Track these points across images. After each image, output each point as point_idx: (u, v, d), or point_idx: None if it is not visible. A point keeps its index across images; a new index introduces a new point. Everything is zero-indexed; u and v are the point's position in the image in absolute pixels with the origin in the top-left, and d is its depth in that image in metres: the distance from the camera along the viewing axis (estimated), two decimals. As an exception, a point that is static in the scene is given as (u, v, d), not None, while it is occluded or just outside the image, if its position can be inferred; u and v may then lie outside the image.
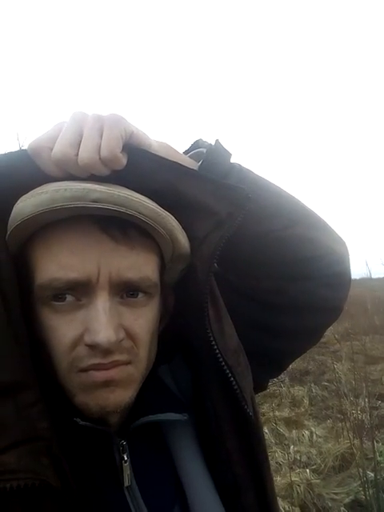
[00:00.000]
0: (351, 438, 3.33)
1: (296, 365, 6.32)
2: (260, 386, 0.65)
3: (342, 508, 2.71)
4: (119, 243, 0.50)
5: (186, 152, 0.67)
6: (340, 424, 3.89)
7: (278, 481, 3.07)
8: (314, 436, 3.84)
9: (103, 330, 0.48)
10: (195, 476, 0.59)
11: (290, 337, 0.66)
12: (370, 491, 2.60)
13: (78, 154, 0.49)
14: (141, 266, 0.52)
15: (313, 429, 3.98)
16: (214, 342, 0.55)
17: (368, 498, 2.59)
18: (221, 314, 0.58)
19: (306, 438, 3.83)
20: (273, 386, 5.35)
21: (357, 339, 5.52)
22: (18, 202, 0.50)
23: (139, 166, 0.53)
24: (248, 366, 0.61)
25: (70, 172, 0.51)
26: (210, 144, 0.64)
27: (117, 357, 0.50)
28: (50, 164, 0.50)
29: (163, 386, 0.62)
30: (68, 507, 0.45)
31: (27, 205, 0.48)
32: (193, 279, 0.57)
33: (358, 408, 3.87)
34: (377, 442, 3.17)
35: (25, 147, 0.53)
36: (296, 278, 0.63)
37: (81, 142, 0.50)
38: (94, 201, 0.47)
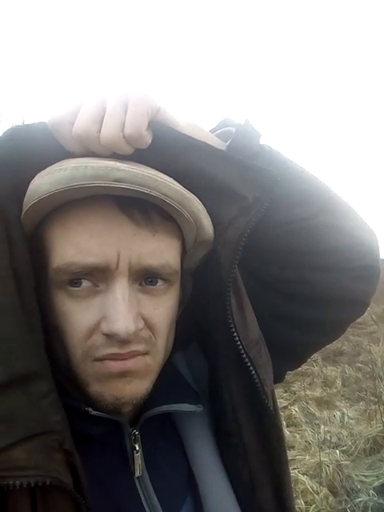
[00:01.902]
0: (384, 421, 3.26)
1: (330, 344, 6.22)
2: (277, 377, 0.62)
3: (371, 491, 2.68)
4: (141, 227, 0.48)
5: (212, 130, 0.62)
6: (373, 407, 3.82)
7: (307, 460, 3.07)
8: (346, 417, 3.79)
9: (122, 319, 0.45)
10: (208, 469, 0.57)
11: (312, 329, 0.63)
12: (402, 477, 2.55)
13: (100, 131, 0.46)
14: (162, 251, 0.49)
15: (345, 410, 3.93)
16: (235, 333, 0.53)
17: (399, 483, 2.55)
18: (243, 304, 0.55)
19: (338, 418, 3.79)
20: (305, 365, 5.31)
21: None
22: (35, 178, 0.47)
23: (164, 145, 0.49)
24: (269, 358, 0.58)
25: (90, 149, 0.48)
26: (239, 123, 0.60)
27: (134, 347, 0.48)
28: (71, 139, 0.47)
29: (178, 375, 0.60)
30: (78, 502, 0.43)
31: (44, 182, 0.45)
32: (215, 266, 0.54)
33: (393, 391, 3.79)
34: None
35: (44, 120, 0.49)
36: (322, 269, 0.59)
37: (103, 117, 0.47)
38: (117, 180, 0.44)
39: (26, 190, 0.47)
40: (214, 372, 0.59)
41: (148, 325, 0.49)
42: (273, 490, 0.57)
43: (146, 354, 0.49)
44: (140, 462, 0.52)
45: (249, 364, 0.53)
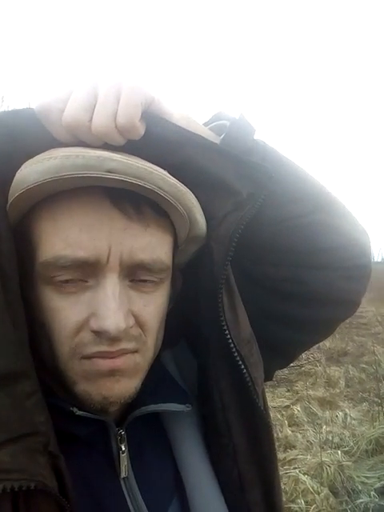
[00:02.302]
0: (387, 423, 3.24)
1: (334, 344, 6.21)
2: (267, 375, 0.61)
3: (372, 492, 2.66)
4: (132, 221, 0.46)
5: (205, 124, 0.61)
6: (377, 408, 3.80)
7: (308, 459, 3.05)
8: (348, 418, 3.77)
9: (112, 316, 0.44)
10: (196, 469, 0.55)
11: (304, 328, 0.62)
12: (404, 479, 2.54)
13: (91, 120, 0.44)
14: (154, 247, 0.48)
15: (347, 411, 3.91)
16: (227, 331, 0.52)
17: (400, 485, 2.53)
18: (235, 301, 0.54)
19: (340, 419, 3.77)
20: (308, 365, 5.29)
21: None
22: (22, 167, 0.45)
23: (158, 137, 0.48)
24: (260, 356, 0.57)
25: (80, 138, 0.46)
26: (234, 117, 0.58)
27: (124, 345, 0.46)
28: (60, 128, 0.45)
29: (166, 374, 0.58)
30: (63, 506, 0.42)
31: (32, 171, 0.43)
32: (207, 262, 0.53)
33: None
34: (414, 429, 3.07)
35: (33, 106, 0.47)
36: (315, 268, 0.58)
37: (95, 105, 0.45)
38: (109, 171, 0.42)
39: (11, 179, 0.45)
40: (203, 370, 0.57)
41: (138, 322, 0.48)
42: (262, 490, 0.56)
43: (135, 351, 0.48)
44: (126, 463, 0.51)
45: (240, 363, 0.52)
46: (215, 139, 0.54)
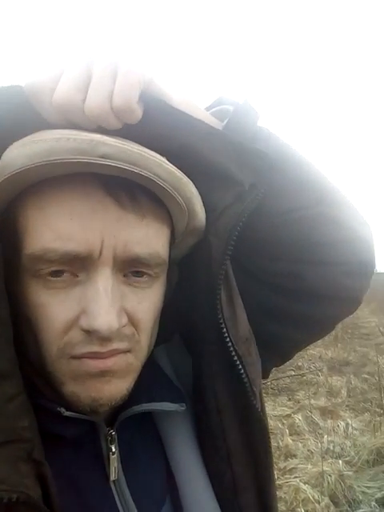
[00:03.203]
0: (389, 433, 3.23)
1: (335, 354, 6.18)
2: (263, 374, 0.57)
3: (373, 503, 2.64)
4: (127, 211, 0.42)
5: (207, 108, 0.58)
6: (378, 418, 3.78)
7: (309, 469, 3.04)
8: (350, 428, 3.74)
9: (104, 315, 0.40)
10: (189, 471, 0.53)
11: (302, 325, 0.59)
12: (405, 489, 2.52)
13: (84, 100, 0.41)
14: (151, 239, 0.44)
15: (349, 420, 3.88)
16: (224, 329, 0.50)
17: (402, 495, 2.52)
18: (233, 298, 0.52)
19: (342, 429, 3.75)
20: (310, 374, 5.26)
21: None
22: (8, 150, 0.41)
23: (156, 121, 0.44)
24: (258, 356, 0.55)
25: (72, 120, 0.42)
26: (237, 102, 0.55)
27: (116, 345, 0.43)
28: (50, 108, 0.41)
29: (159, 371, 0.56)
30: None
31: (19, 155, 0.40)
32: (205, 257, 0.50)
33: (399, 403, 3.75)
34: (416, 439, 3.06)
35: (21, 83, 0.43)
36: (315, 263, 0.55)
37: (89, 85, 0.41)
38: (102, 156, 0.39)
39: None
40: (198, 369, 0.54)
41: (131, 320, 0.44)
42: (256, 493, 0.54)
43: (127, 351, 0.45)
44: (116, 465, 0.48)
45: (237, 362, 0.50)
46: (217, 125, 0.52)
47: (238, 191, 0.48)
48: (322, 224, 0.54)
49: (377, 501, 2.66)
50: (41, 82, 0.42)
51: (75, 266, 0.42)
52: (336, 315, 0.62)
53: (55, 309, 0.42)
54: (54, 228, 0.41)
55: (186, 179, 0.45)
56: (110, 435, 0.48)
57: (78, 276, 0.43)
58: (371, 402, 4.32)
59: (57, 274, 0.42)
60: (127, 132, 0.43)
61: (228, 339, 0.50)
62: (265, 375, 0.61)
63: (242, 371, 0.50)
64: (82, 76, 0.41)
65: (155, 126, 0.44)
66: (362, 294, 0.60)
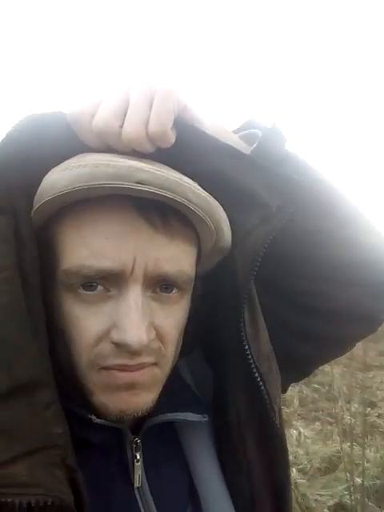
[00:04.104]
0: (340, 441, 3.32)
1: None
2: (282, 390, 0.61)
3: (326, 510, 2.71)
4: (158, 232, 0.46)
5: (235, 131, 0.61)
6: (329, 427, 3.89)
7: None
8: (302, 436, 3.84)
9: (134, 329, 0.43)
10: (210, 482, 0.55)
11: (323, 344, 0.62)
12: (356, 496, 2.60)
13: (122, 126, 0.44)
14: (179, 258, 0.47)
15: (301, 429, 3.98)
16: (247, 347, 0.51)
17: (353, 502, 2.59)
18: (257, 316, 0.54)
19: (294, 437, 3.83)
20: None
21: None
22: (50, 173, 0.45)
23: (188, 145, 0.47)
24: (279, 373, 0.56)
25: (110, 144, 0.45)
26: (265, 126, 0.58)
27: (144, 359, 0.46)
28: (90, 133, 0.45)
29: (183, 383, 0.58)
30: None
31: (62, 178, 0.43)
32: (230, 275, 0.52)
33: (349, 413, 3.88)
34: (366, 448, 3.17)
35: (61, 110, 0.47)
36: (340, 283, 0.58)
37: (126, 111, 0.44)
38: (139, 182, 0.42)
39: (36, 184, 0.45)
40: (220, 382, 0.57)
41: (158, 335, 0.47)
42: (273, 510, 0.56)
43: (154, 364, 0.47)
44: (140, 472, 0.50)
45: (258, 379, 0.52)
46: (246, 149, 0.55)
47: (265, 213, 0.51)
48: (346, 246, 0.57)
49: (329, 508, 2.73)
50: (82, 109, 0.45)
51: (108, 282, 0.45)
52: (358, 334, 0.64)
53: (87, 321, 0.45)
54: (90, 246, 0.44)
55: (215, 203, 0.48)
56: (136, 443, 0.50)
57: (110, 291, 0.46)
58: (322, 411, 4.45)
59: (90, 286, 0.45)
60: (160, 154, 0.46)
61: (249, 356, 0.51)
62: (283, 391, 0.63)
63: (263, 388, 0.52)
64: (120, 103, 0.44)
65: (187, 150, 0.48)
66: (383, 315, 0.62)
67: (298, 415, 4.51)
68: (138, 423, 0.52)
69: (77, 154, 0.45)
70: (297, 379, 0.68)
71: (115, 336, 0.44)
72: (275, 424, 0.53)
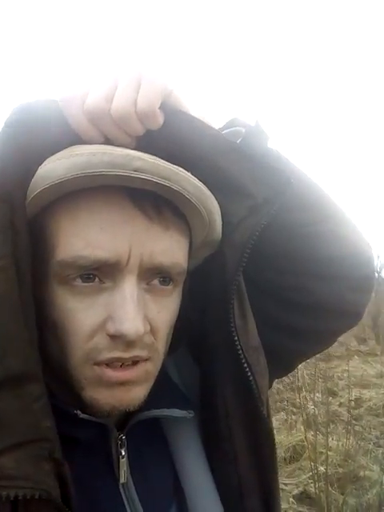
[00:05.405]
0: (304, 430, 3.42)
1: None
2: None
3: (291, 499, 2.78)
4: (153, 222, 0.45)
5: (220, 130, 0.59)
6: (293, 417, 3.99)
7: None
8: (268, 427, 3.92)
9: (131, 320, 0.43)
10: (195, 476, 0.55)
11: (307, 338, 0.62)
12: (320, 484, 2.68)
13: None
14: (174, 249, 0.47)
15: (266, 419, 4.06)
16: (236, 338, 0.52)
17: (317, 491, 2.67)
18: (245, 309, 0.54)
19: (260, 428, 3.91)
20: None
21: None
22: (46, 163, 0.43)
23: (176, 131, 0.46)
24: (266, 366, 0.57)
25: (101, 127, 0.44)
26: (249, 124, 0.58)
27: (138, 352, 0.45)
28: (81, 117, 0.44)
29: (168, 379, 0.58)
30: None
31: (58, 167, 0.42)
32: (218, 269, 0.52)
33: (312, 402, 3.99)
34: (329, 436, 3.27)
35: (53, 97, 0.46)
36: (323, 277, 0.58)
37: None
38: (136, 170, 0.41)
39: (31, 174, 0.43)
40: (207, 377, 0.57)
41: (151, 329, 0.47)
42: (261, 498, 0.56)
43: (147, 360, 0.47)
44: (125, 468, 0.50)
45: (247, 370, 0.52)
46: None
47: (252, 204, 0.50)
48: (328, 240, 0.58)
49: (294, 497, 2.80)
50: (73, 94, 0.44)
51: (103, 273, 0.44)
52: (340, 328, 0.65)
53: (82, 314, 0.44)
54: (86, 237, 0.43)
55: (209, 193, 0.47)
56: (121, 439, 0.50)
57: (104, 283, 0.45)
58: (287, 402, 4.56)
59: (87, 278, 0.44)
60: (149, 140, 0.45)
61: (239, 347, 0.52)
62: (268, 386, 0.63)
63: (252, 379, 0.52)
64: (110, 87, 0.44)
65: (175, 136, 0.46)
66: (364, 308, 0.64)
67: (263, 406, 4.61)
68: (124, 419, 0.51)
69: (68, 142, 0.44)
70: (280, 374, 0.69)
71: (111, 328, 0.43)
72: (263, 414, 0.54)
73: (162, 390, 0.53)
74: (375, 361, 6.06)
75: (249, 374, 0.52)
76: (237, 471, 0.55)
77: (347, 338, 6.96)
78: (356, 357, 6.21)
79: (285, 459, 3.35)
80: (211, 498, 0.54)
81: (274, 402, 4.69)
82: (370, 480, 2.92)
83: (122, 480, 0.50)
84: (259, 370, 0.54)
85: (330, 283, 0.59)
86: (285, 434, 3.72)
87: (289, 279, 0.58)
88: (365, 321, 7.30)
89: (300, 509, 2.67)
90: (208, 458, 0.56)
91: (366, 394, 4.72)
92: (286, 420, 4.05)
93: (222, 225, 0.51)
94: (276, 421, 4.12)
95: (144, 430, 0.54)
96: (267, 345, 0.58)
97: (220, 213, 0.50)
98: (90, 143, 0.45)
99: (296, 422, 3.85)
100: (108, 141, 0.45)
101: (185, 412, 0.53)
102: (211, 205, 0.48)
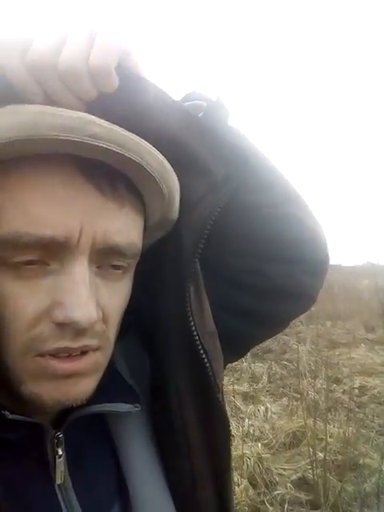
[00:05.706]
0: (305, 417, 3.40)
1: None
2: None
3: (289, 484, 2.78)
4: (108, 199, 0.40)
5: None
6: (295, 403, 3.98)
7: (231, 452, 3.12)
8: (269, 412, 3.91)
9: (83, 306, 0.38)
10: (142, 471, 0.52)
11: (261, 322, 0.60)
12: (318, 471, 2.67)
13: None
14: (130, 229, 0.42)
15: (268, 405, 4.06)
16: (192, 324, 0.49)
17: (315, 477, 2.66)
18: (201, 292, 0.51)
19: (261, 413, 3.90)
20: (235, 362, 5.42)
21: (320, 323, 5.62)
22: None
23: (133, 96, 0.41)
24: (221, 351, 0.54)
25: (44, 84, 0.37)
26: (210, 98, 0.54)
27: (87, 341, 0.41)
28: (21, 69, 0.37)
29: (113, 370, 0.53)
30: None
31: None
32: (174, 251, 0.49)
33: (314, 389, 3.97)
34: (329, 423, 3.25)
35: None
36: (278, 260, 0.57)
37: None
38: (92, 136, 0.36)
39: None
40: (158, 365, 0.53)
41: (103, 316, 0.42)
42: (215, 487, 0.54)
43: (97, 349, 0.42)
44: (62, 468, 0.46)
45: (203, 356, 0.49)
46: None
47: (211, 181, 0.47)
48: (287, 222, 0.55)
49: (292, 482, 2.79)
50: (11, 41, 0.37)
51: (48, 254, 0.39)
52: (293, 312, 0.64)
53: (24, 300, 0.39)
54: (28, 212, 0.37)
55: (170, 168, 0.43)
56: (57, 438, 0.46)
57: (49, 265, 0.39)
58: (289, 388, 4.55)
59: (30, 260, 0.38)
60: (105, 107, 0.39)
61: (195, 332, 0.49)
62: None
63: (208, 365, 0.50)
64: (59, 37, 0.37)
65: (134, 103, 0.41)
66: (317, 292, 0.63)
67: (267, 391, 4.60)
68: (61, 416, 0.47)
69: (5, 101, 0.37)
70: (233, 359, 0.65)
71: (60, 315, 0.38)
72: (219, 401, 0.52)
73: (106, 382, 0.48)
74: (382, 349, 6.00)
75: (205, 360, 0.49)
76: (191, 463, 0.52)
77: (355, 326, 6.91)
78: (363, 345, 6.15)
79: (284, 444, 3.34)
80: (158, 492, 0.51)
81: (276, 387, 4.69)
82: (369, 468, 2.90)
83: (58, 481, 0.46)
84: (215, 356, 0.51)
85: (288, 266, 0.57)
86: (286, 420, 3.72)
87: (246, 262, 0.56)
88: (374, 309, 7.23)
89: (297, 494, 2.66)
90: (160, 452, 0.53)
91: (371, 381, 4.68)
92: (287, 406, 4.04)
93: (181, 202, 0.47)
94: (278, 406, 4.12)
95: (84, 426, 0.50)
96: (222, 329, 0.55)
97: (179, 191, 0.46)
98: (29, 103, 0.37)
99: (297, 408, 3.83)
100: (52, 103, 0.38)
101: (130, 406, 0.49)
102: (173, 182, 0.44)
